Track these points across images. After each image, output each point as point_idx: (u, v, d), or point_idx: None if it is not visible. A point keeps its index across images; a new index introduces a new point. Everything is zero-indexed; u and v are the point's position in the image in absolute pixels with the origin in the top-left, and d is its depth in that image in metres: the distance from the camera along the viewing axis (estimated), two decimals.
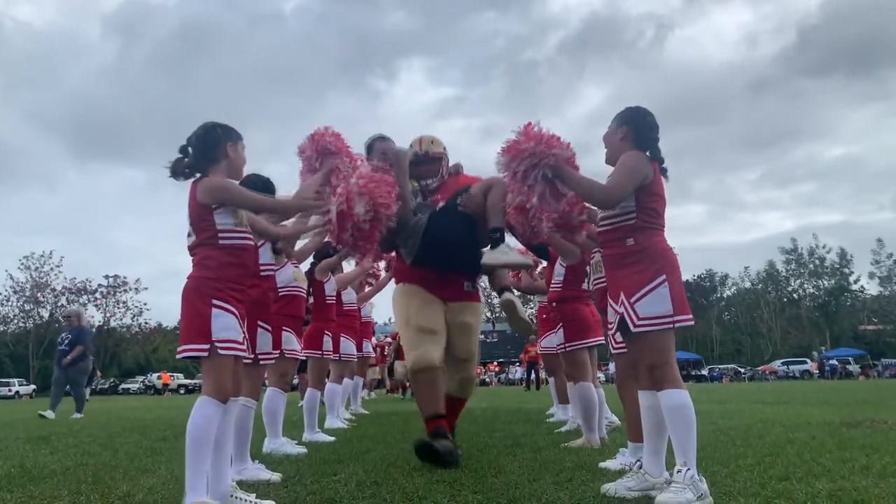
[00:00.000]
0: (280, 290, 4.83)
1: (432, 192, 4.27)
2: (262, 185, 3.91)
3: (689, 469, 2.80)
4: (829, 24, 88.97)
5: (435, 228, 4.05)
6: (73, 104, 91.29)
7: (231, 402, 3.11)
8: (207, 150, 3.08)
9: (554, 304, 5.15)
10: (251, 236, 3.13)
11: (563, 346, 5.05)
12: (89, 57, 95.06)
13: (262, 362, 3.87)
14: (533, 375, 23.74)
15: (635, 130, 3.25)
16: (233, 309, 2.94)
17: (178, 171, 3.09)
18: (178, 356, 2.94)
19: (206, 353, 2.86)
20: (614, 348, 3.68)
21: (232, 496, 2.93)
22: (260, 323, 3.82)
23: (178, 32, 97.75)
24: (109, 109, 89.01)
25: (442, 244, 4.00)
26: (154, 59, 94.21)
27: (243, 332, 3.01)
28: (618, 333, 3.27)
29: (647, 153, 3.24)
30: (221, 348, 2.87)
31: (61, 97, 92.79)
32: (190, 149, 3.11)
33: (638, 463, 3.20)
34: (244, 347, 3.01)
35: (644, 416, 3.14)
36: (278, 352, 4.68)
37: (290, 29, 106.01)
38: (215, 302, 2.89)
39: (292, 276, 4.96)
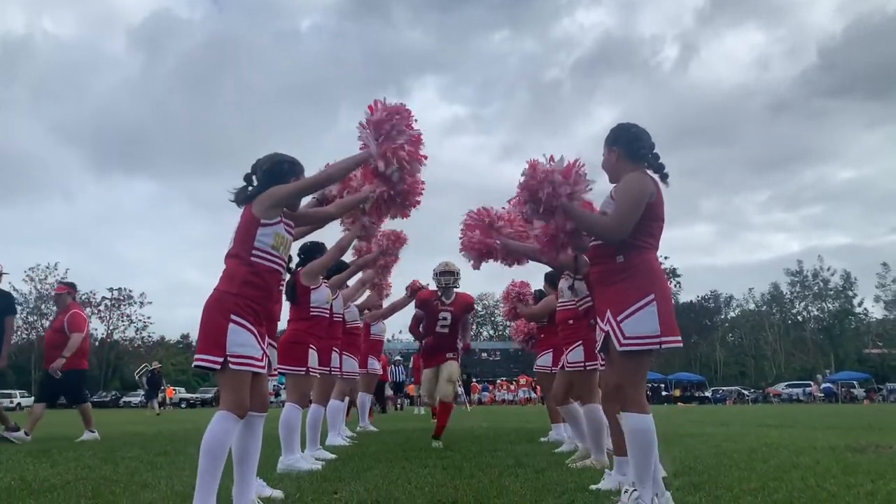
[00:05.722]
0: (312, 309, 4.91)
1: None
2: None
3: (635, 491, 2.89)
4: (849, 47, 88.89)
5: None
6: (96, 117, 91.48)
7: (257, 417, 3.14)
8: (273, 184, 3.14)
9: (570, 321, 5.09)
10: (283, 261, 3.15)
11: (582, 363, 4.99)
12: (114, 70, 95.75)
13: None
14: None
15: (626, 147, 3.23)
16: (250, 326, 2.95)
17: (240, 200, 3.16)
18: (193, 364, 2.97)
19: (218, 367, 2.87)
20: (601, 366, 3.70)
21: None
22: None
23: (202, 47, 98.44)
24: (132, 122, 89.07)
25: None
26: (177, 73, 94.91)
27: (262, 349, 3.02)
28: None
29: (645, 165, 3.22)
30: (234, 363, 2.88)
31: (85, 109, 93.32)
32: (255, 178, 3.19)
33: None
34: (262, 364, 3.01)
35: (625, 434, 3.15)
36: (304, 368, 4.77)
37: (305, 46, 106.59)
38: (234, 317, 2.91)
39: (325, 297, 5.00)
